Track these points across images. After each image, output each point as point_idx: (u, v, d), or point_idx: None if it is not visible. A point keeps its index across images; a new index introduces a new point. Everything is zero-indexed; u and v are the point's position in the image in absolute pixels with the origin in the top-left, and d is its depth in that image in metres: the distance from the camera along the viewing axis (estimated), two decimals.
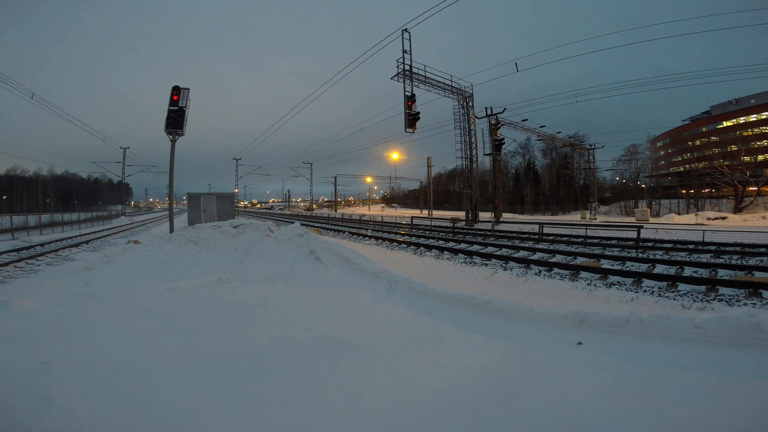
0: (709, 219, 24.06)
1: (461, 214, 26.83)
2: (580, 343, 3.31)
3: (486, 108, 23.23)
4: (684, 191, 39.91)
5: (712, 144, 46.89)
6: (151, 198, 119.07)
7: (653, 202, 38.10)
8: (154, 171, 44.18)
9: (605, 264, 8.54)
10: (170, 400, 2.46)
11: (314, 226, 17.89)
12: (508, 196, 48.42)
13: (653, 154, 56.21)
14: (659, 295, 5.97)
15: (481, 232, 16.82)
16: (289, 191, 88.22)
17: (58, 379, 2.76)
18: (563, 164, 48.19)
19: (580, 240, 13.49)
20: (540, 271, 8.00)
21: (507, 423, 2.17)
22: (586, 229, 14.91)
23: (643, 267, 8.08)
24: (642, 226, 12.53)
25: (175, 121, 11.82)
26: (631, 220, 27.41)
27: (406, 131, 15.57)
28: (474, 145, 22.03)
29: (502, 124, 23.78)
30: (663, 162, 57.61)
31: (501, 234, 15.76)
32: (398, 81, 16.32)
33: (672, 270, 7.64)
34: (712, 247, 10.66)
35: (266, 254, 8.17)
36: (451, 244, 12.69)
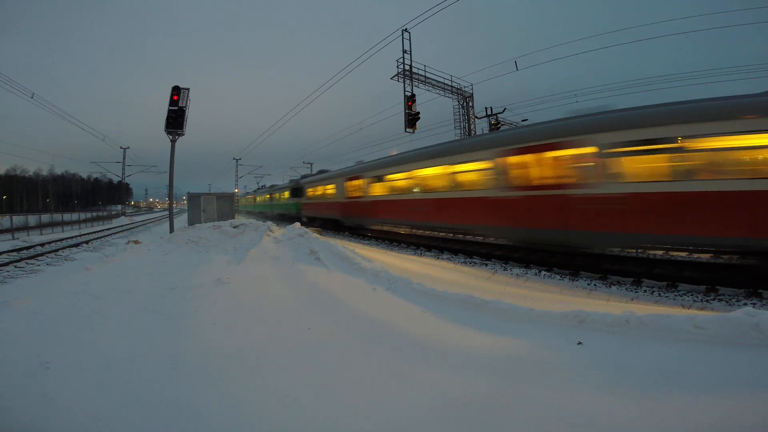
0: None
1: None
2: (580, 343, 3.31)
3: (486, 108, 23.17)
4: None
5: None
6: (151, 198, 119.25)
7: None
8: (154, 171, 44.08)
9: (605, 263, 8.52)
10: (170, 400, 2.46)
11: (314, 226, 17.88)
12: None
13: None
14: (659, 295, 5.97)
15: None
16: None
17: (58, 379, 2.77)
18: None
19: None
20: (540, 271, 8.00)
21: (507, 423, 2.17)
22: None
23: (643, 267, 8.07)
24: None
25: (175, 121, 11.79)
26: None
27: (406, 131, 15.53)
28: None
29: (502, 124, 23.76)
30: None
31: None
32: (398, 81, 16.29)
33: (672, 270, 7.63)
34: (712, 248, 10.64)
35: (266, 254, 8.16)
36: (450, 244, 12.68)
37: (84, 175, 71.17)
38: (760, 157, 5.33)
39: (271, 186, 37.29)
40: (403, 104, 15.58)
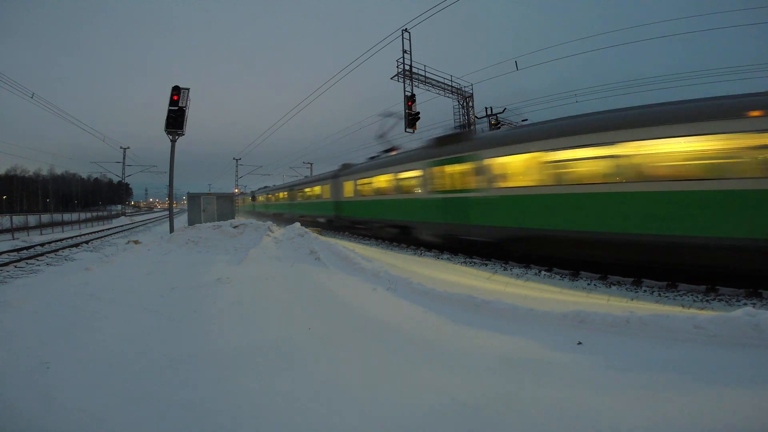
0: None
1: None
2: (580, 343, 3.31)
3: (486, 108, 23.19)
4: None
5: None
6: (151, 198, 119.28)
7: None
8: (154, 171, 44.10)
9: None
10: (170, 400, 2.46)
11: (314, 226, 17.87)
12: None
13: None
14: (659, 295, 5.97)
15: None
16: None
17: (58, 379, 2.77)
18: None
19: None
20: (540, 271, 7.99)
21: (507, 423, 2.17)
22: None
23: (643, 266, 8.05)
24: None
25: (175, 121, 11.81)
26: None
27: (406, 131, 15.52)
28: None
29: (502, 124, 23.76)
30: None
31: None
32: (398, 81, 16.30)
33: (672, 270, 7.62)
34: None
35: (266, 254, 8.16)
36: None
37: (84, 175, 71.24)
38: None
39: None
40: (403, 104, 15.57)
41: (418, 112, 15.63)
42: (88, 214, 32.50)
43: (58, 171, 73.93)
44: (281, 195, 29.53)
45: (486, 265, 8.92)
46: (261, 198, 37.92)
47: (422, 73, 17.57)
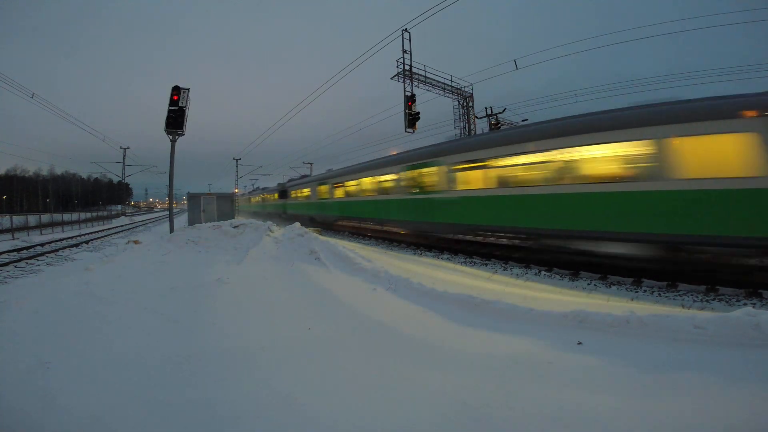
0: None
1: None
2: (580, 343, 3.31)
3: (486, 108, 23.17)
4: None
5: None
6: (151, 198, 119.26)
7: None
8: (154, 171, 43.98)
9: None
10: (170, 400, 2.46)
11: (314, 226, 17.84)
12: None
13: None
14: (659, 295, 5.97)
15: None
16: None
17: (58, 379, 2.77)
18: None
19: None
20: (540, 271, 8.00)
21: (507, 423, 2.17)
22: None
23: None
24: None
25: (175, 121, 11.79)
26: None
27: (406, 131, 15.51)
28: None
29: (502, 124, 23.75)
30: None
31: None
32: (398, 81, 16.29)
33: (672, 269, 7.62)
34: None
35: (266, 254, 8.16)
36: (450, 243, 12.66)
37: (84, 175, 71.09)
38: None
39: None
40: (403, 104, 15.56)
41: (419, 112, 15.61)
42: (88, 214, 32.53)
43: (58, 171, 74.08)
44: (355, 184, 15.77)
45: (486, 265, 8.92)
46: (300, 194, 22.43)
47: (422, 73, 17.56)
